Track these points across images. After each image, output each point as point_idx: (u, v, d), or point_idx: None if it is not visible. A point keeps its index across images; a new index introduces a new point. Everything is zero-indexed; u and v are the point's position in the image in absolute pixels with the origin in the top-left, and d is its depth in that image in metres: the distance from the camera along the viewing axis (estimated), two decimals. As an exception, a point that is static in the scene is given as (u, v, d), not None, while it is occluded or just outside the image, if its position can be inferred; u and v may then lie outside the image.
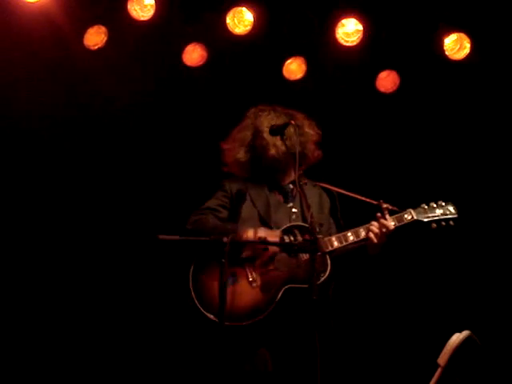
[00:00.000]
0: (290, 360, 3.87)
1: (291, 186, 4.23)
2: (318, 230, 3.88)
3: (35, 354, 5.59)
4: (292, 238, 3.94)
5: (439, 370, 3.43)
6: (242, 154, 4.23)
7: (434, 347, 3.58)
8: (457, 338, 3.45)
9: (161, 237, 3.49)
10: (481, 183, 5.92)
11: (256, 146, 4.20)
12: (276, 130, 4.06)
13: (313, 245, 3.54)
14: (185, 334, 4.58)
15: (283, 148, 4.07)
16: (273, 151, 4.13)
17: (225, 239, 3.44)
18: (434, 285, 5.92)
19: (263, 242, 3.82)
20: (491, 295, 5.83)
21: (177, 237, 3.68)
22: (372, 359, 5.81)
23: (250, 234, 3.87)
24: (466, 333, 3.48)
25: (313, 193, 4.17)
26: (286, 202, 4.18)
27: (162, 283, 5.55)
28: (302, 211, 4.11)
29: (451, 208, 4.13)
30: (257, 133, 4.21)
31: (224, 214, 4.11)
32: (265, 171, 4.22)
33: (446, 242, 5.77)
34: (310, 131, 4.25)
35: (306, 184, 4.13)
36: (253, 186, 4.19)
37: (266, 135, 4.14)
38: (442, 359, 3.42)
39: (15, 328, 5.59)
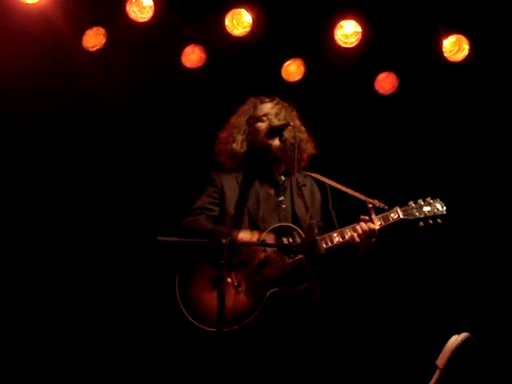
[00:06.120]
0: (283, 366, 3.82)
1: (283, 177, 4.18)
2: (316, 231, 3.85)
3: (33, 354, 5.59)
4: (291, 240, 3.91)
5: (438, 371, 3.42)
6: (238, 145, 4.18)
7: (432, 349, 3.58)
8: (455, 339, 3.45)
9: (159, 238, 3.48)
10: (480, 183, 5.93)
11: (257, 145, 4.13)
12: (274, 131, 4.05)
13: (311, 247, 3.49)
14: (175, 341, 4.58)
15: (281, 148, 4.04)
16: (278, 154, 4.09)
17: (223, 241, 3.41)
18: (432, 286, 5.92)
19: (262, 243, 3.82)
20: (490, 297, 5.83)
21: (175, 238, 3.67)
22: (371, 361, 5.81)
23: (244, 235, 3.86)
24: (464, 334, 3.48)
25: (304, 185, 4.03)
26: (277, 195, 4.13)
27: (159, 284, 5.55)
28: (292, 206, 4.06)
29: (439, 206, 4.07)
30: (254, 122, 4.17)
31: (216, 211, 4.08)
32: (258, 163, 4.15)
33: (445, 242, 5.79)
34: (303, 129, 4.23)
35: (304, 186, 4.02)
36: (243, 177, 4.13)
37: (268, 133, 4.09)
38: (441, 361, 3.42)
39: (13, 327, 5.59)
